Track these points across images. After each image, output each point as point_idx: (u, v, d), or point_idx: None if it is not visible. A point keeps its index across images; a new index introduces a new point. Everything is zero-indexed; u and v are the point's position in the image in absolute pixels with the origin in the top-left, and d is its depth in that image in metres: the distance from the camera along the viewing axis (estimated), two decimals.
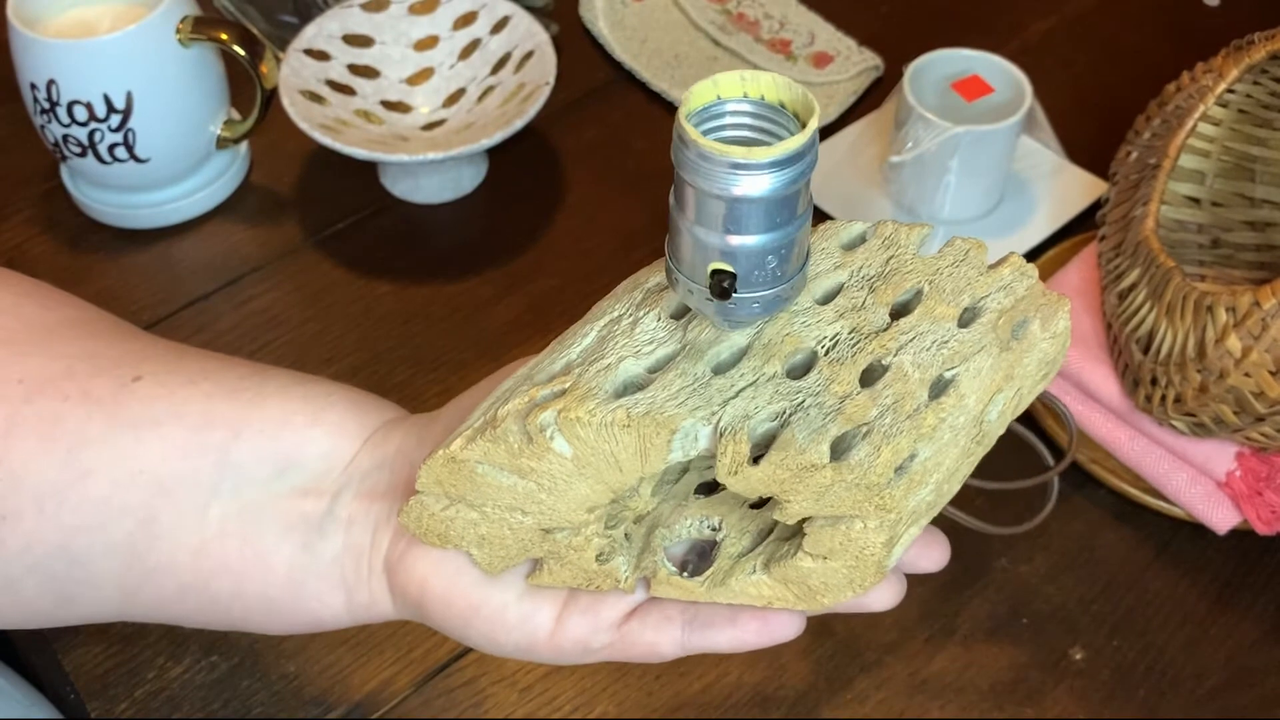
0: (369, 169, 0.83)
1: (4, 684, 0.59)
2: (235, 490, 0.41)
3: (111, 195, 0.79)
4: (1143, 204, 0.67)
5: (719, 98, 0.34)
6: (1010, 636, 0.62)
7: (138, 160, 0.76)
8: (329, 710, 0.59)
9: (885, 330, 0.38)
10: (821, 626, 0.62)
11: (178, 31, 0.73)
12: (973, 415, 0.37)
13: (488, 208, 0.82)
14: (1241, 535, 0.65)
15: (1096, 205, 0.77)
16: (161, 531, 0.41)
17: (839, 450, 0.35)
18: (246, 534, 0.41)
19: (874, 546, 0.36)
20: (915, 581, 0.64)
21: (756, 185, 0.33)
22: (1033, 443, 0.50)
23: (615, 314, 0.39)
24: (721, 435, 0.35)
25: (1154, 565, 0.65)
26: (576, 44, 0.93)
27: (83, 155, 0.75)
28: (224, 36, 0.74)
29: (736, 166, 0.32)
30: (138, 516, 0.41)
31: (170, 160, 0.78)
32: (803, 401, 0.35)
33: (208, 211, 0.81)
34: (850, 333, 0.37)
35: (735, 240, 0.34)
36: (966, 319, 0.39)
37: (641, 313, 0.38)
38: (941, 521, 0.41)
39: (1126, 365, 0.66)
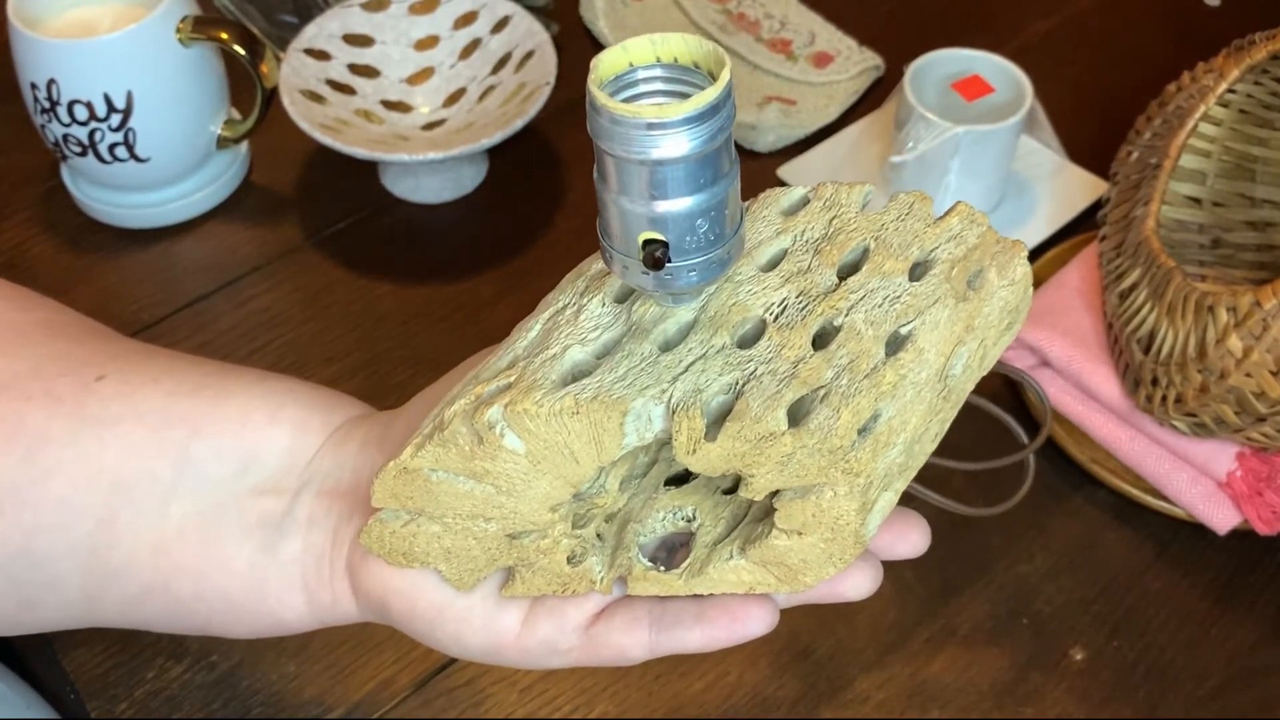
0: (369, 169, 0.83)
1: (1, 686, 0.59)
2: (195, 489, 0.41)
3: (111, 195, 0.79)
4: (1143, 204, 0.67)
5: (631, 65, 0.33)
6: (1010, 636, 0.62)
7: (138, 160, 0.76)
8: (329, 710, 0.59)
9: (834, 291, 0.36)
10: (821, 626, 0.62)
11: (178, 31, 0.73)
12: (935, 369, 0.36)
13: (488, 208, 0.82)
14: (1242, 535, 0.65)
15: (1097, 205, 0.77)
16: (121, 532, 0.40)
17: (797, 416, 0.34)
18: (206, 534, 0.41)
19: (847, 515, 0.35)
20: (915, 581, 0.65)
21: (675, 145, 0.32)
22: (1008, 423, 0.50)
23: (560, 304, 0.38)
24: (674, 413, 0.34)
25: (1154, 565, 0.65)
26: (576, 44, 0.93)
27: (83, 155, 0.75)
28: (224, 36, 0.74)
29: (652, 127, 0.31)
30: (98, 516, 0.40)
31: (170, 160, 0.78)
32: (755, 370, 0.34)
33: (208, 211, 0.81)
34: (798, 296, 0.36)
35: (662, 206, 0.33)
36: (918, 272, 0.38)
37: (585, 300, 0.37)
38: (921, 505, 0.41)
39: (1127, 365, 0.66)
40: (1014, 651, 0.62)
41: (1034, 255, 0.77)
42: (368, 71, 0.82)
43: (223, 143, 0.80)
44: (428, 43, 0.83)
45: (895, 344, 0.36)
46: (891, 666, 0.61)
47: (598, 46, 0.92)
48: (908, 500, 0.40)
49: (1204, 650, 0.62)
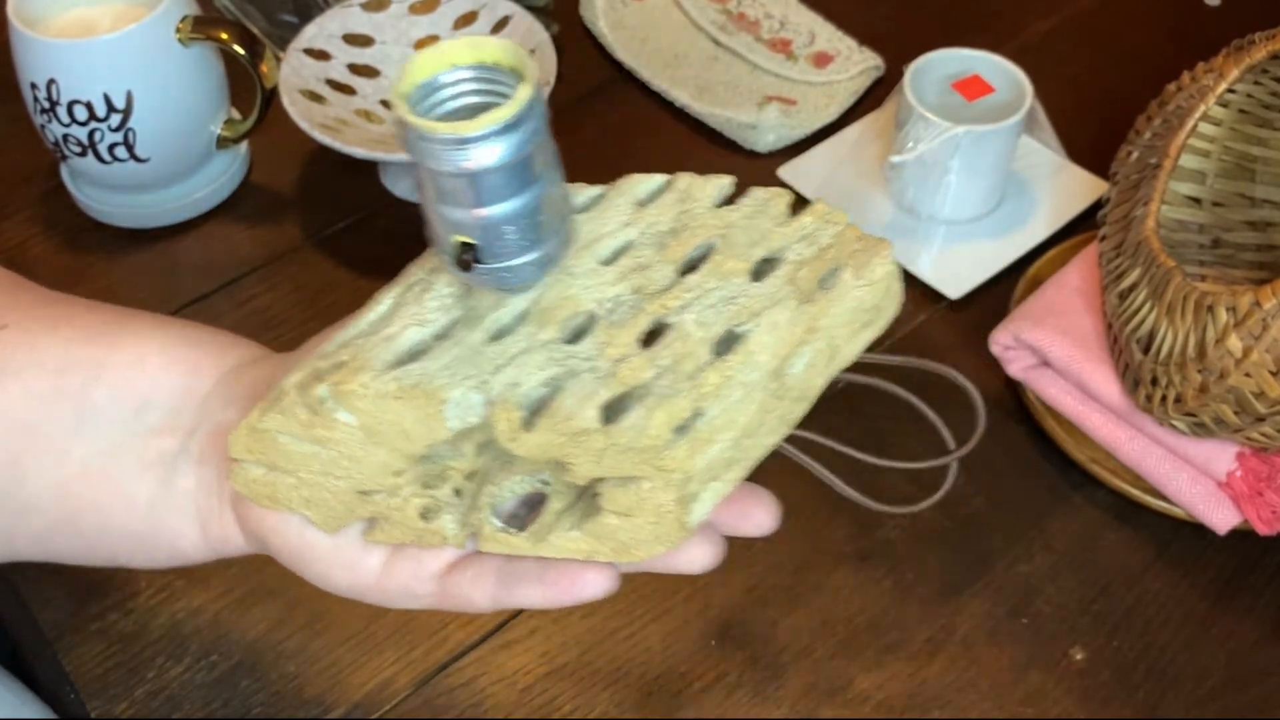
0: (369, 169, 0.83)
1: None
2: (96, 431, 0.43)
3: (111, 195, 0.79)
4: (1143, 204, 0.67)
5: (452, 66, 0.34)
6: (1010, 636, 0.62)
7: (138, 160, 0.76)
8: (329, 710, 0.59)
9: (669, 289, 0.37)
10: (821, 626, 0.62)
11: (178, 31, 0.73)
12: (768, 370, 0.36)
13: None
14: (1242, 535, 0.65)
15: (1097, 205, 0.77)
16: (26, 472, 0.43)
17: (615, 413, 0.35)
18: (108, 472, 0.43)
19: (667, 505, 0.36)
20: (915, 581, 0.65)
21: (482, 156, 0.32)
22: (938, 427, 0.49)
23: (413, 279, 0.39)
24: (492, 405, 0.35)
25: (1154, 565, 0.65)
26: (576, 44, 0.92)
27: (83, 155, 0.75)
28: (224, 36, 0.74)
29: (453, 142, 0.31)
30: (3, 459, 0.43)
31: (170, 160, 0.78)
32: (575, 367, 0.35)
33: (208, 211, 0.81)
34: (633, 293, 0.37)
35: (465, 214, 0.33)
36: (762, 272, 0.38)
37: (433, 277, 0.39)
38: (831, 496, 0.40)
39: (1127, 365, 0.66)
40: (1014, 651, 0.62)
41: (1034, 255, 0.77)
42: (368, 71, 0.82)
43: (222, 143, 0.80)
44: (428, 43, 0.83)
45: (728, 343, 0.36)
46: (891, 666, 0.61)
47: (598, 46, 0.93)
48: (821, 490, 0.39)
49: (1204, 650, 0.62)
